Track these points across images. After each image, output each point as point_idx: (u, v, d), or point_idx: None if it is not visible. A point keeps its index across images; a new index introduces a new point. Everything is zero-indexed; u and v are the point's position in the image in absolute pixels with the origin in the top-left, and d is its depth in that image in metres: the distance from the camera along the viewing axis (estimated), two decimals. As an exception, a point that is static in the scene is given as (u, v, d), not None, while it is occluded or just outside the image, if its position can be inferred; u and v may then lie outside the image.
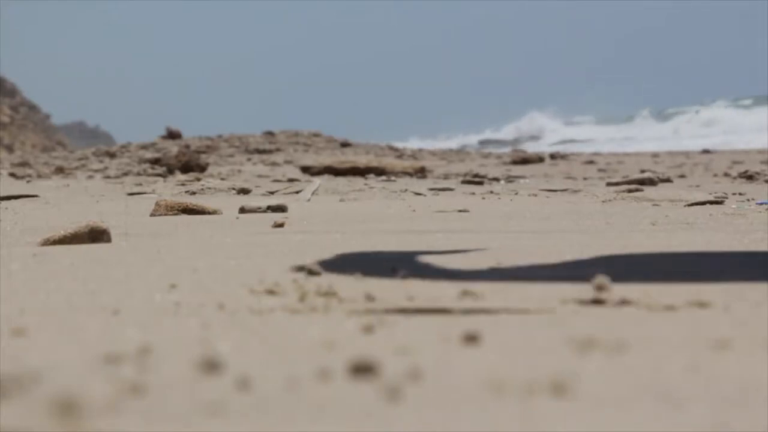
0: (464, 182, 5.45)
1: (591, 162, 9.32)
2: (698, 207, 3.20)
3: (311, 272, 1.55)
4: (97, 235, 2.13)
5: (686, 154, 12.15)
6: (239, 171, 7.73)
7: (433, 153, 12.74)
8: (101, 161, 9.77)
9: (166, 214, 2.92)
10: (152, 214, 2.96)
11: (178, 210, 2.93)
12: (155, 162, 7.37)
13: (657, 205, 3.34)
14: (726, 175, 6.47)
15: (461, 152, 15.33)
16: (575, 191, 4.27)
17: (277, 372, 0.92)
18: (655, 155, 11.80)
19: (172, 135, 12.31)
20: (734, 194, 4.06)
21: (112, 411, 0.79)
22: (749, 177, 5.80)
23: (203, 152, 10.38)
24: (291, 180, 6.03)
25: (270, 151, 11.15)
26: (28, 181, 6.16)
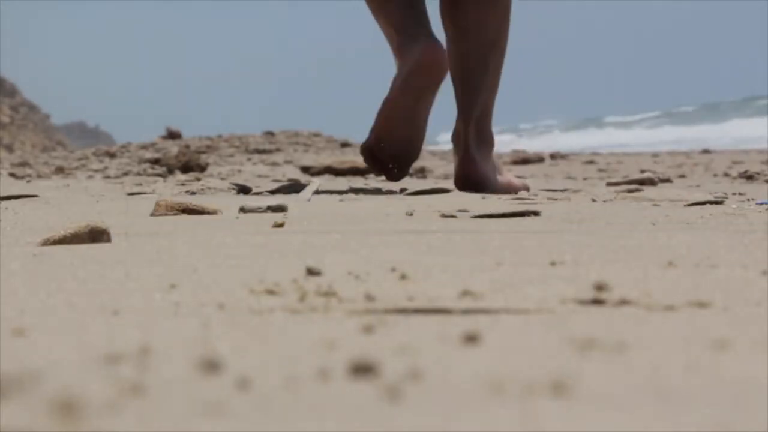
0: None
1: (591, 162, 9.32)
2: (698, 207, 3.20)
3: (311, 272, 1.55)
4: (97, 235, 2.13)
5: (686, 154, 12.15)
6: (239, 171, 7.73)
7: (433, 153, 12.74)
8: (101, 161, 9.77)
9: (166, 214, 2.92)
10: (152, 214, 2.96)
11: (178, 210, 2.94)
12: (155, 162, 7.36)
13: (657, 205, 3.34)
14: (726, 175, 6.47)
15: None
16: (575, 191, 4.27)
17: (277, 372, 0.92)
18: (655, 155, 11.80)
19: (172, 135, 12.30)
20: (734, 194, 4.06)
21: (112, 411, 0.79)
22: (749, 177, 5.80)
23: (203, 152, 10.37)
24: (291, 180, 6.03)
25: (270, 151, 11.15)
26: (28, 181, 6.15)
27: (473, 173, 3.98)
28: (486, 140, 4.10)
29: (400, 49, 3.80)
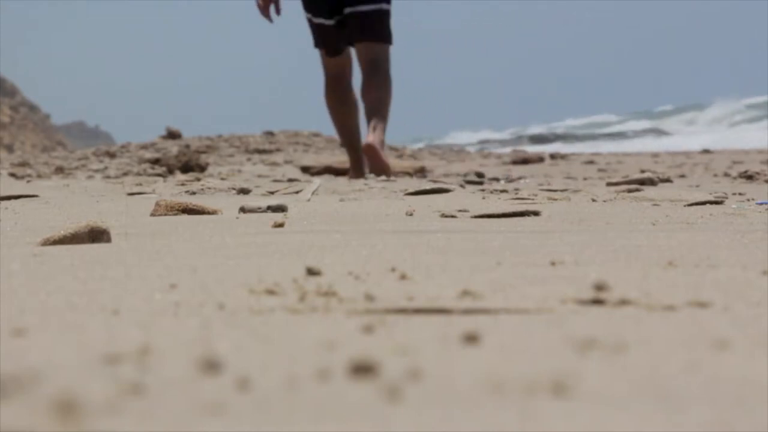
0: (465, 182, 5.45)
1: (591, 162, 9.32)
2: (698, 207, 3.20)
3: (311, 272, 1.55)
4: (97, 235, 2.13)
5: (686, 154, 12.14)
6: (239, 171, 7.74)
7: (433, 153, 12.75)
8: (101, 161, 9.77)
9: (166, 214, 2.92)
10: (152, 214, 2.96)
11: (178, 210, 2.94)
12: (155, 162, 7.36)
13: (657, 205, 3.35)
14: (726, 175, 6.47)
15: (461, 152, 15.32)
16: (575, 191, 4.27)
17: (277, 372, 0.92)
18: (655, 155, 11.80)
19: (172, 135, 12.29)
20: (734, 194, 4.06)
21: (112, 411, 0.79)
22: (749, 177, 5.80)
23: (203, 152, 10.37)
24: (291, 180, 6.03)
25: (270, 151, 11.15)
26: (28, 181, 6.15)
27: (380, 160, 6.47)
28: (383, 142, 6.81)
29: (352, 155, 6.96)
